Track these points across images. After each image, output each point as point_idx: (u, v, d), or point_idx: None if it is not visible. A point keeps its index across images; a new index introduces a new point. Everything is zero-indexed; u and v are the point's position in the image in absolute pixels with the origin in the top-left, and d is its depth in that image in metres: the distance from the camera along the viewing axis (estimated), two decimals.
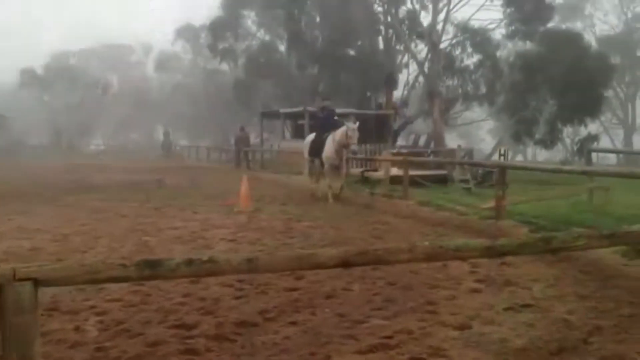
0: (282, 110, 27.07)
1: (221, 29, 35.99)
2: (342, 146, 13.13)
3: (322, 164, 13.92)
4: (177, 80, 64.72)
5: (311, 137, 15.06)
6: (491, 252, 2.79)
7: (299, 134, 25.66)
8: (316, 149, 14.06)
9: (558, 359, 3.97)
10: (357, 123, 13.34)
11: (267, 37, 37.62)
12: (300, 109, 24.65)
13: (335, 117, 14.52)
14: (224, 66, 45.09)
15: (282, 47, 35.86)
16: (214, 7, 37.95)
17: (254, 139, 35.02)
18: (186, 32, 61.21)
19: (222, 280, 5.81)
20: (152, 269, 2.24)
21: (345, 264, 2.52)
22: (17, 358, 2.02)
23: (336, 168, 13.52)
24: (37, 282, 2.07)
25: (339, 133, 13.10)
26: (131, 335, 4.47)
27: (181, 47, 62.63)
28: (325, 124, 14.22)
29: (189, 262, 2.27)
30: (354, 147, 13.14)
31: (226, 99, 41.78)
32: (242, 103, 35.56)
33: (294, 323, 4.71)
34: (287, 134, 30.33)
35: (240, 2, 36.58)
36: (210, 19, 38.53)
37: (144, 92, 67.03)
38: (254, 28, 39.28)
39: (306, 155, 14.81)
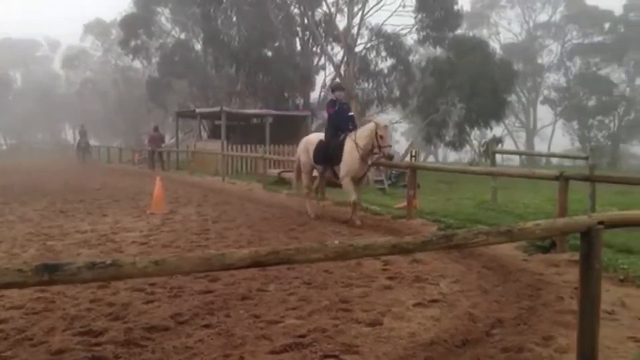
0: (198, 110, 26.60)
1: (133, 25, 34.85)
2: (369, 152, 9.85)
3: (335, 175, 10.59)
4: (86, 77, 61.99)
5: (315, 136, 11.41)
6: (397, 250, 2.89)
7: (216, 134, 25.31)
8: (327, 155, 10.43)
9: (462, 351, 4.15)
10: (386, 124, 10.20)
11: (182, 36, 36.87)
12: (217, 109, 24.32)
13: (352, 113, 10.84)
14: (137, 64, 43.79)
15: (198, 46, 35.28)
16: (125, 3, 36.82)
17: (169, 139, 34.20)
18: (96, 28, 58.99)
19: (132, 285, 5.65)
20: (51, 273, 2.14)
21: (256, 264, 2.51)
22: None
23: (359, 181, 10.28)
24: None
25: (364, 135, 9.80)
26: (33, 343, 4.24)
27: (91, 43, 60.23)
28: (339, 121, 10.43)
29: (92, 265, 2.18)
30: (388, 150, 9.76)
31: (140, 97, 40.59)
32: (157, 102, 34.64)
33: (207, 326, 4.66)
34: (204, 134, 29.86)
35: None
36: (121, 15, 37.31)
37: (50, 89, 63.74)
38: (168, 25, 38.37)
39: (308, 160, 10.92)
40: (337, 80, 30.55)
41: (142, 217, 10.90)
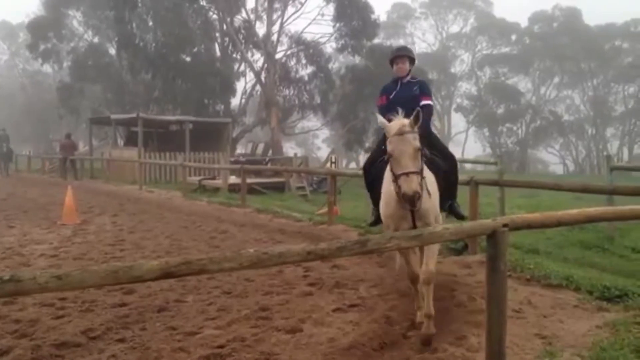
0: (113, 117, 25.65)
1: (42, 28, 33.30)
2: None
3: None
4: None
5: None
6: (312, 257, 2.91)
7: (133, 141, 24.49)
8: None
9: (380, 354, 4.25)
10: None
11: (95, 39, 35.63)
12: (133, 115, 23.56)
13: (427, 102, 5.37)
14: (47, 68, 41.86)
15: (112, 51, 34.18)
16: (33, 5, 35.17)
17: (82, 146, 32.76)
18: (1, 30, 55.93)
19: (41, 299, 5.37)
20: None
21: (167, 275, 2.45)
22: None
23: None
24: None
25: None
26: None
27: None
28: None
29: None
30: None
31: (50, 103, 38.72)
32: (69, 108, 33.14)
33: (121, 340, 4.50)
34: (120, 142, 28.84)
35: (64, 0, 34.20)
36: (29, 17, 35.56)
37: None
38: (80, 29, 36.99)
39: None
40: (258, 87, 30.41)
41: (52, 228, 10.37)
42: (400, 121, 4.33)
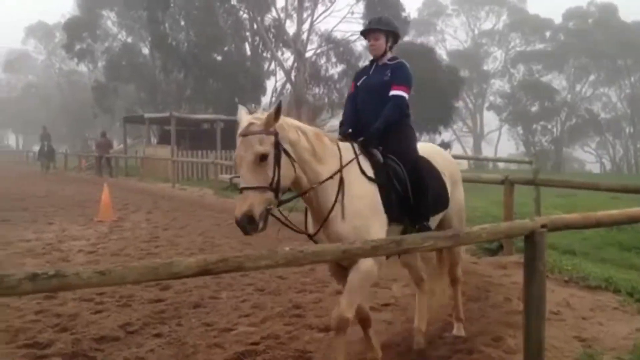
0: (146, 115, 26.05)
1: (78, 28, 33.95)
2: None
3: None
4: (28, 81, 59.96)
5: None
6: (347, 255, 2.91)
7: (166, 140, 24.83)
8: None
9: (414, 354, 4.22)
10: None
11: (129, 39, 36.19)
12: (166, 114, 23.89)
13: (398, 93, 4.09)
14: (82, 68, 42.70)
15: (145, 50, 34.70)
16: (68, 5, 35.90)
17: (117, 145, 33.35)
18: (38, 31, 57.27)
19: (80, 294, 5.49)
20: None
21: (205, 272, 2.47)
22: None
23: None
24: None
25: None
26: None
27: (33, 47, 58.37)
28: (348, 113, 4.31)
29: (33, 276, 2.09)
30: None
31: (85, 102, 39.50)
32: (103, 107, 33.76)
33: (158, 335, 4.58)
34: (154, 140, 29.27)
35: (98, 1, 34.84)
36: (65, 17, 36.34)
37: None
38: (114, 29, 37.61)
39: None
40: (288, 85, 30.43)
41: (89, 225, 10.60)
42: (250, 117, 3.34)
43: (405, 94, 4.07)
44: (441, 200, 4.17)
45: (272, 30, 31.81)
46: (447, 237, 3.18)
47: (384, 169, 3.75)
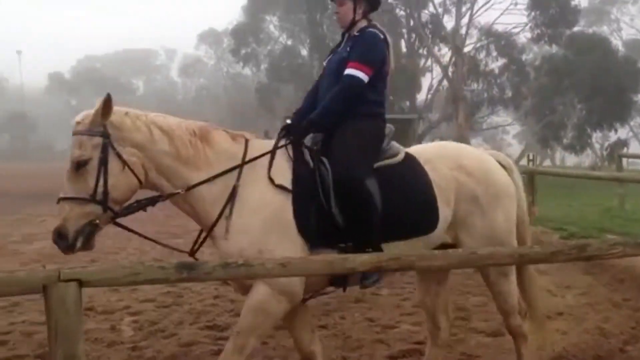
0: None
1: (243, 33, 36.22)
2: None
3: None
4: (200, 84, 65.32)
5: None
6: (525, 260, 2.76)
7: None
8: None
9: None
10: None
11: (289, 42, 37.81)
12: None
13: (351, 71, 3.16)
14: (247, 70, 45.47)
15: (304, 52, 36.02)
16: (236, 12, 38.34)
17: None
18: (209, 37, 61.98)
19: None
20: (189, 271, 2.26)
21: (377, 268, 2.52)
22: (63, 356, 2.06)
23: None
24: (81, 283, 2.09)
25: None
26: (165, 335, 4.53)
27: (204, 52, 63.42)
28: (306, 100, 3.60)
29: (225, 265, 2.30)
30: None
31: (249, 103, 42.06)
32: (265, 107, 35.74)
33: (324, 327, 4.74)
34: None
35: (262, 6, 36.83)
36: (232, 24, 38.90)
37: (170, 96, 67.85)
38: (276, 32, 39.51)
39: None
40: (445, 82, 29.81)
41: None
42: (84, 112, 2.79)
43: (361, 73, 3.08)
44: (417, 221, 3.09)
45: (429, 26, 31.28)
46: (639, 244, 2.86)
47: (310, 176, 2.93)
